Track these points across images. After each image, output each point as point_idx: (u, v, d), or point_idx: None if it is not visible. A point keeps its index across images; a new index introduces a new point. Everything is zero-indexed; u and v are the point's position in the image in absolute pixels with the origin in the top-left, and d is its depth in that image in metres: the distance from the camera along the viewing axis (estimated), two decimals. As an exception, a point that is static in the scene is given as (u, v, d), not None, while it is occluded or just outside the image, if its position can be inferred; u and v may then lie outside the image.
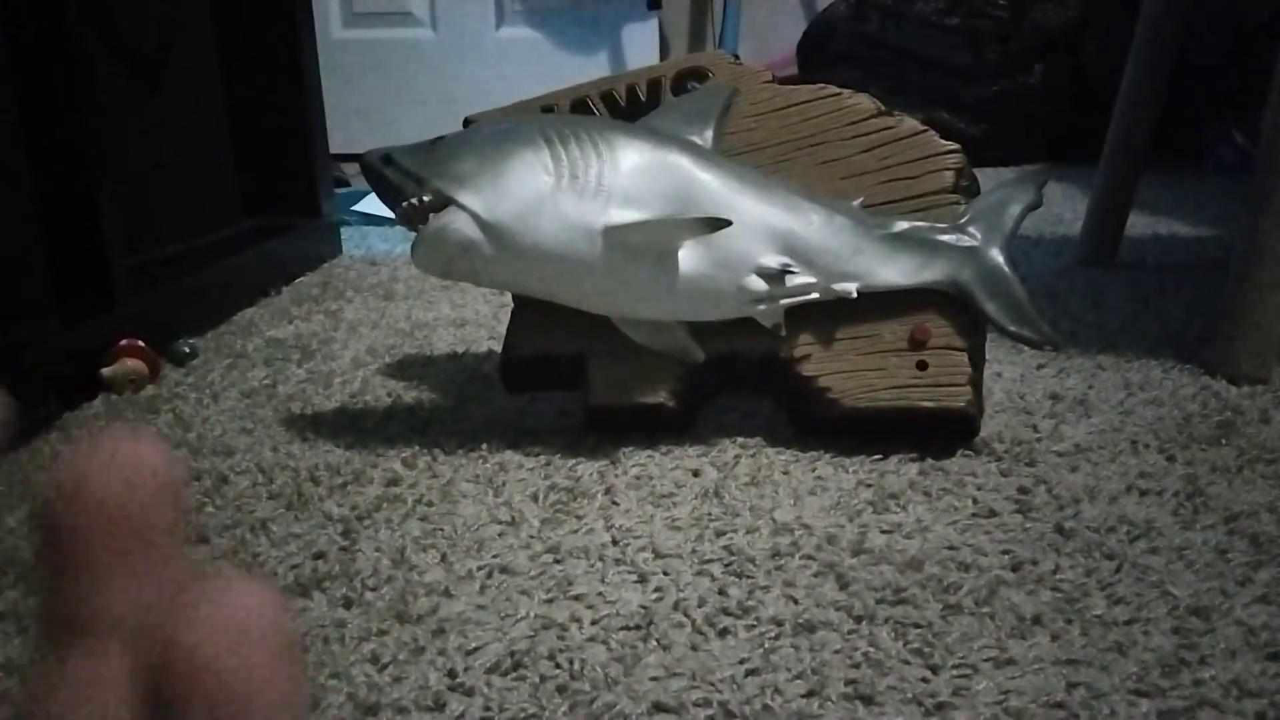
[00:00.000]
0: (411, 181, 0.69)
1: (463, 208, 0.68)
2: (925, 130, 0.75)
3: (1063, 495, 0.67)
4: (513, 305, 0.79)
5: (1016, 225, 0.74)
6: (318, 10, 1.42)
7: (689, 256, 0.70)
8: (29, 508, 0.66)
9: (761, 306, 0.72)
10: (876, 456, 0.73)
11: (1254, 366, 0.86)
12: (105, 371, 0.87)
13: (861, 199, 0.74)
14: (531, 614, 0.55)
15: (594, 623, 0.54)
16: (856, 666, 0.50)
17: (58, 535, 0.17)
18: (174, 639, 0.16)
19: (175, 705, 0.16)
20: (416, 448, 0.76)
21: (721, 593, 0.57)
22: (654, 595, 0.57)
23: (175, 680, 0.16)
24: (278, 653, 0.16)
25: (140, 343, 0.89)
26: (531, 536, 0.63)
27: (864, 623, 0.54)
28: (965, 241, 0.73)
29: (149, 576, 0.17)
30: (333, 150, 1.44)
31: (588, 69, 2.23)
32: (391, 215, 0.72)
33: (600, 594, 0.57)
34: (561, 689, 0.49)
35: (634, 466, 0.72)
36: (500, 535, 0.64)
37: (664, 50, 2.43)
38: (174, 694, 0.16)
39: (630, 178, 0.69)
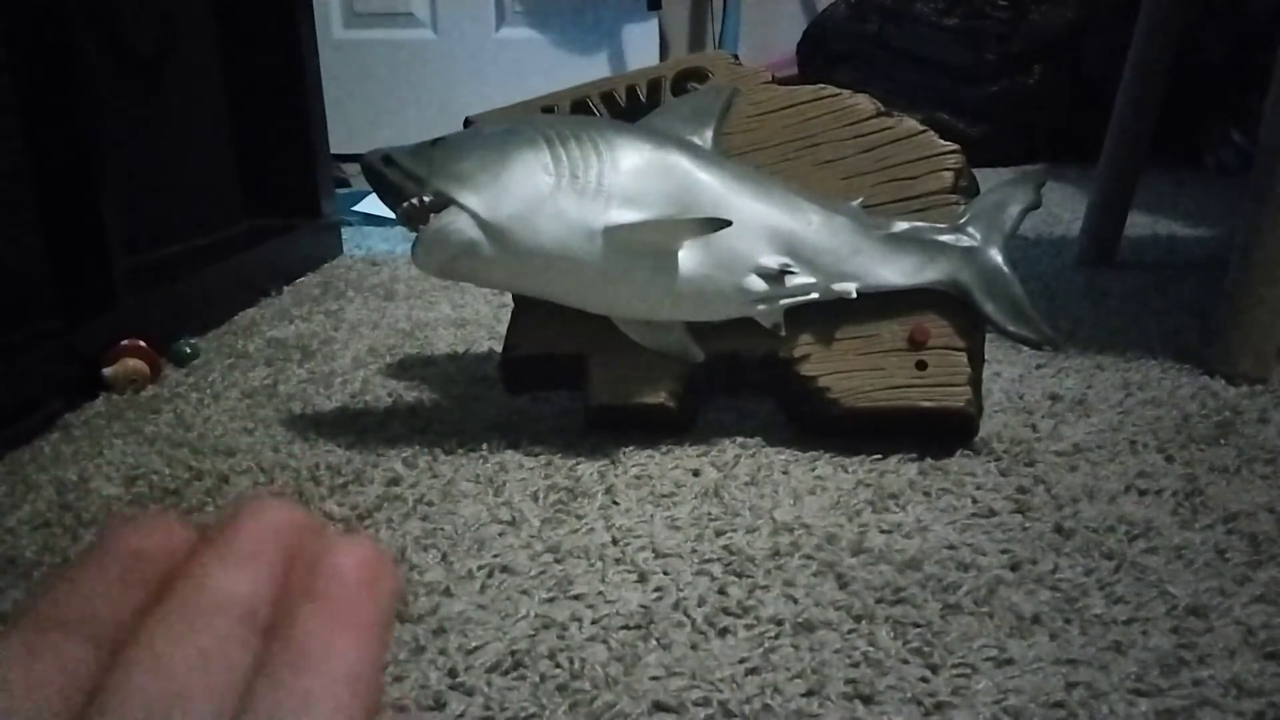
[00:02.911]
0: (412, 182, 0.69)
1: (463, 208, 0.68)
2: (925, 131, 0.75)
3: (1062, 495, 0.67)
4: (513, 305, 0.79)
5: (1016, 225, 0.74)
6: (318, 10, 1.42)
7: (689, 257, 0.70)
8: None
9: (761, 307, 0.73)
10: (876, 456, 0.73)
11: (1253, 366, 0.86)
12: (106, 371, 0.87)
13: (861, 199, 0.74)
14: (532, 613, 0.55)
15: (594, 622, 0.54)
16: (856, 666, 0.50)
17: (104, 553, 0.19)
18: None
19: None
20: (417, 447, 0.76)
21: (721, 592, 0.57)
22: (654, 595, 0.57)
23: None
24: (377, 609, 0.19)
25: (141, 342, 0.89)
26: (532, 536, 0.63)
27: (863, 622, 0.54)
28: (964, 242, 0.73)
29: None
30: (333, 150, 1.44)
31: (588, 69, 2.23)
32: (392, 215, 0.72)
33: (600, 594, 0.57)
34: (561, 688, 0.49)
35: (634, 466, 0.72)
36: (500, 535, 0.64)
37: (664, 51, 2.43)
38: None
39: (630, 178, 0.69)
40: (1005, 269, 0.73)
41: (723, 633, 0.53)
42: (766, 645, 0.52)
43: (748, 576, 0.58)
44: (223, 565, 0.19)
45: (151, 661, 0.17)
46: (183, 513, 0.67)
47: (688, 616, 0.55)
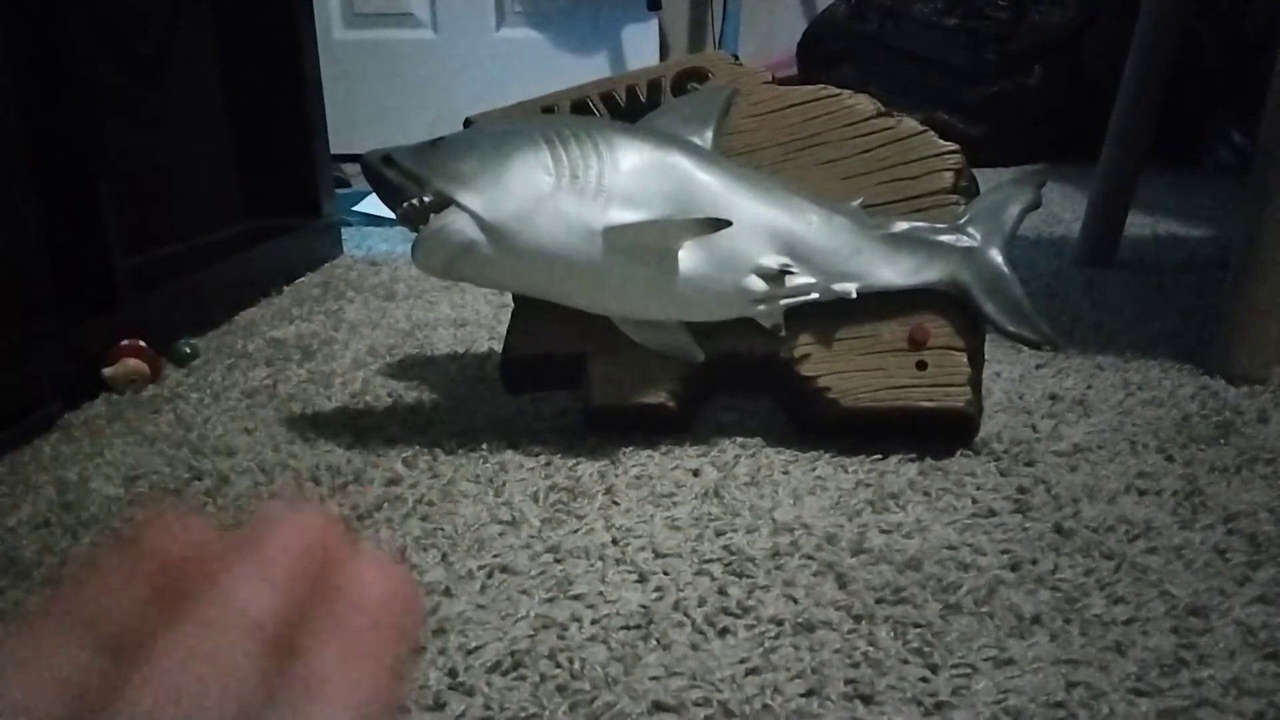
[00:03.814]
0: (412, 182, 0.69)
1: (463, 208, 0.68)
2: (925, 131, 0.75)
3: (1062, 495, 0.67)
4: (513, 305, 0.79)
5: (1015, 225, 0.74)
6: (318, 11, 1.42)
7: (689, 257, 0.70)
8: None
9: (761, 307, 0.73)
10: (876, 456, 0.73)
11: (1253, 366, 0.86)
12: (106, 371, 0.87)
13: (861, 199, 0.74)
14: (531, 614, 0.55)
15: (594, 622, 0.54)
16: (856, 666, 0.50)
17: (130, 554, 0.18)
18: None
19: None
20: (417, 448, 0.76)
21: (721, 592, 0.57)
22: (654, 595, 0.57)
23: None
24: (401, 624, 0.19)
25: (141, 343, 0.89)
26: (532, 536, 0.63)
27: (863, 622, 0.54)
28: (964, 242, 0.73)
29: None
30: (333, 151, 1.44)
31: (588, 70, 2.23)
32: (392, 216, 0.72)
33: (600, 594, 0.57)
34: (561, 688, 0.49)
35: (634, 466, 0.72)
36: (500, 535, 0.64)
37: (664, 51, 2.43)
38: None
39: (630, 178, 0.69)
40: (1005, 269, 0.73)
41: (723, 633, 0.53)
42: (766, 645, 0.52)
43: (748, 576, 0.58)
44: (246, 579, 0.18)
45: (162, 678, 0.16)
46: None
47: (688, 616, 0.55)
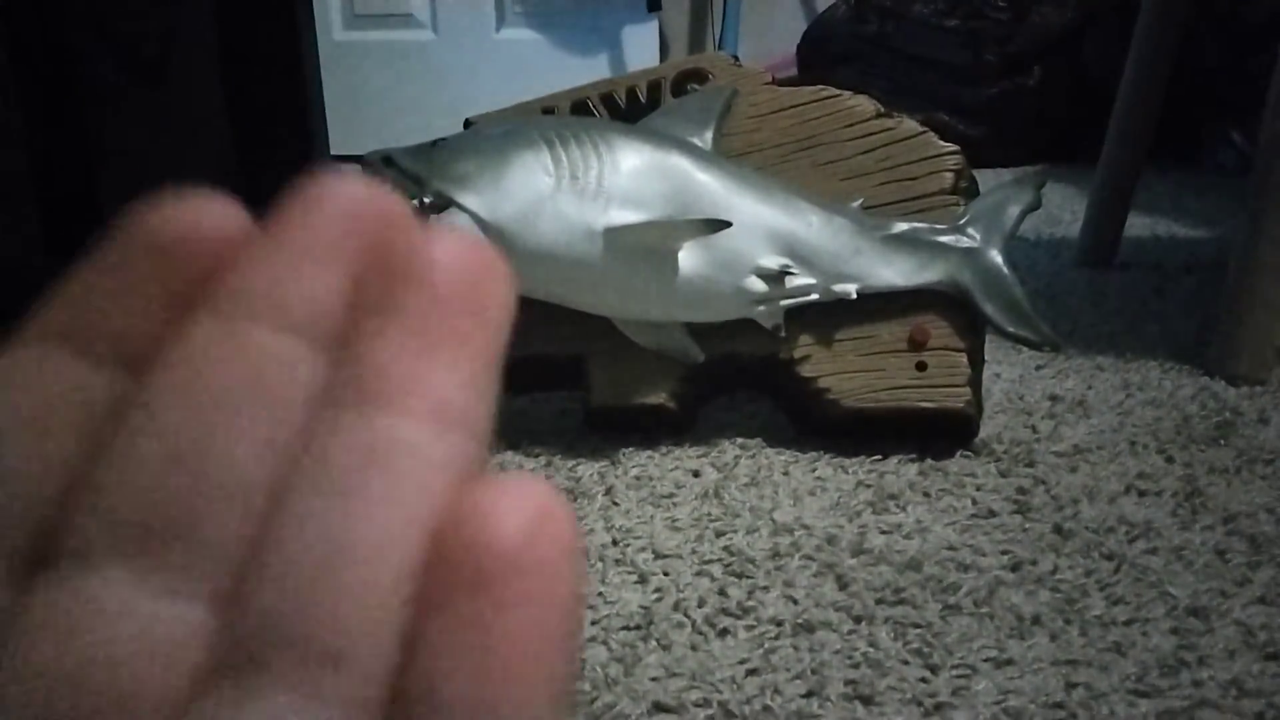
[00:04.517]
0: (412, 183, 0.69)
1: (463, 209, 0.68)
2: (925, 132, 0.75)
3: (1062, 496, 0.67)
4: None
5: (1015, 226, 0.74)
6: (319, 12, 1.42)
7: (689, 258, 0.70)
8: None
9: (761, 307, 0.73)
10: (876, 457, 0.73)
11: (1253, 367, 0.86)
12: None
13: (861, 200, 0.74)
14: (532, 614, 0.55)
15: (594, 623, 0.54)
16: (856, 666, 0.50)
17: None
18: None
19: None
20: (417, 448, 0.76)
21: (721, 593, 0.57)
22: (654, 595, 0.57)
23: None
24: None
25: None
26: (532, 537, 0.63)
27: (863, 623, 0.54)
28: (964, 242, 0.73)
29: None
30: (333, 151, 1.44)
31: (588, 71, 2.23)
32: (392, 216, 0.72)
33: (600, 594, 0.57)
34: (562, 689, 0.49)
35: (634, 467, 0.72)
36: (500, 535, 0.64)
37: (664, 52, 2.43)
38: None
39: (630, 179, 0.69)
40: (1005, 270, 0.73)
41: (723, 633, 0.53)
42: (766, 646, 0.52)
43: (748, 577, 0.58)
44: (282, 260, 0.14)
45: (187, 382, 0.13)
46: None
47: (688, 617, 0.55)
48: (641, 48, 2.30)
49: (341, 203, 0.14)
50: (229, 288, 0.13)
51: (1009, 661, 0.51)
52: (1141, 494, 0.67)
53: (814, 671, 0.50)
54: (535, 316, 0.77)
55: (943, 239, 0.73)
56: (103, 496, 0.13)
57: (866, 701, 0.48)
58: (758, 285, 0.71)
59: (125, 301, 0.14)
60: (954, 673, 0.50)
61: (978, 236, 0.73)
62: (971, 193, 0.75)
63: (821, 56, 2.26)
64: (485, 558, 0.13)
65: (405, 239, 0.14)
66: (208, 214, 0.14)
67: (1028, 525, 0.64)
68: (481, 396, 0.14)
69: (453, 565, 0.13)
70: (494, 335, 0.14)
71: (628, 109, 0.78)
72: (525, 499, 0.13)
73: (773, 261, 0.71)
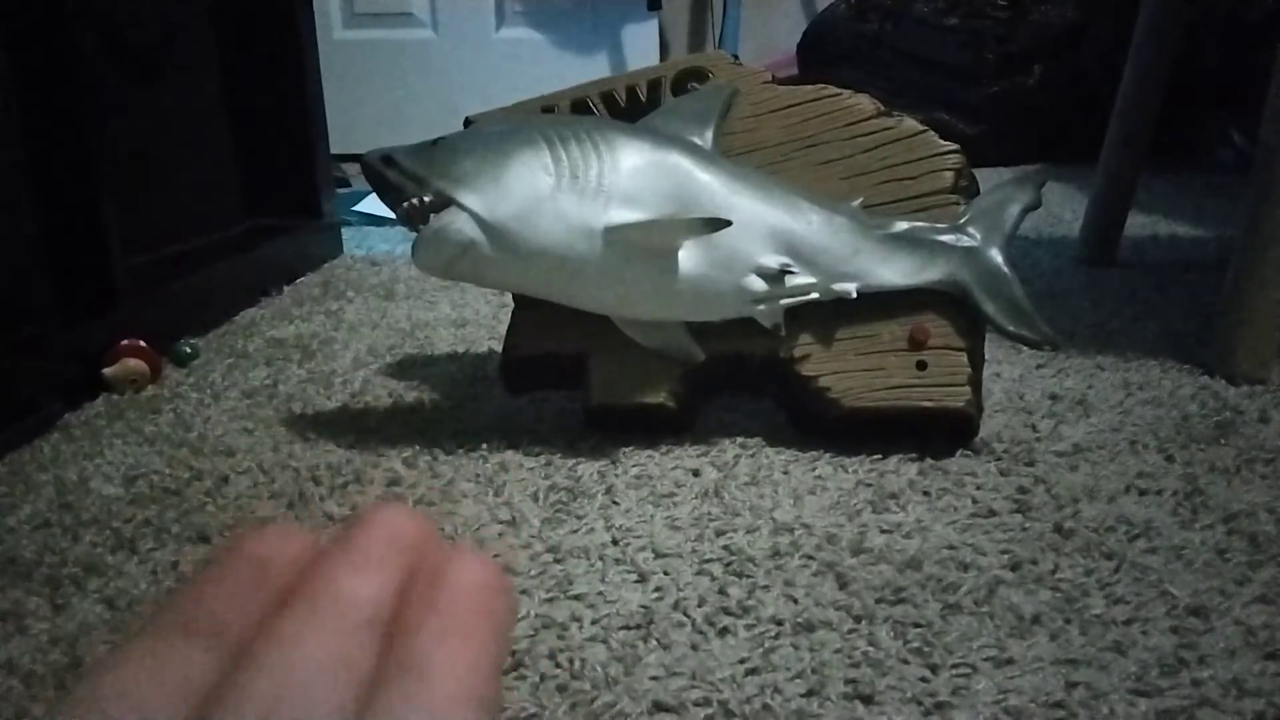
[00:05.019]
0: (412, 182, 0.69)
1: (463, 208, 0.68)
2: (925, 131, 0.75)
3: (1062, 495, 0.67)
4: (513, 305, 0.79)
5: (1015, 225, 0.74)
6: (319, 11, 1.42)
7: (689, 257, 0.70)
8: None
9: (761, 306, 0.72)
10: (876, 456, 0.73)
11: (1253, 366, 0.86)
12: (106, 371, 0.87)
13: (861, 199, 0.74)
14: (531, 614, 0.55)
15: (594, 622, 0.54)
16: (856, 666, 0.50)
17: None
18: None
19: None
20: (417, 448, 0.76)
21: (721, 592, 0.57)
22: (654, 595, 0.57)
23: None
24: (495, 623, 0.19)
25: (141, 343, 0.89)
26: (532, 536, 0.63)
27: (863, 622, 0.54)
28: (964, 242, 0.73)
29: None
30: (333, 150, 1.44)
31: (588, 69, 2.23)
32: (392, 215, 0.72)
33: (600, 594, 0.57)
34: (561, 688, 0.49)
35: (634, 466, 0.72)
36: (500, 535, 0.64)
37: (664, 51, 2.43)
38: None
39: (630, 178, 0.69)
40: (1005, 269, 0.73)
41: (723, 633, 0.53)
42: (766, 645, 0.52)
43: (748, 576, 0.58)
44: (348, 568, 0.19)
45: (277, 660, 0.17)
46: (183, 513, 0.67)
47: (688, 616, 0.55)
48: (641, 46, 2.29)
49: (389, 526, 0.20)
50: (311, 590, 0.18)
51: (1009, 661, 0.51)
52: (1142, 493, 0.67)
53: (814, 671, 0.50)
54: (535, 316, 0.77)
55: (943, 238, 0.73)
56: None
57: (866, 701, 0.48)
58: (758, 284, 0.71)
59: (228, 603, 0.18)
60: (954, 672, 0.50)
61: (978, 236, 0.73)
62: (972, 192, 0.75)
63: (821, 55, 2.26)
64: (449, 589, 0.20)
65: (435, 554, 0.20)
66: (291, 538, 0.20)
67: (1028, 524, 0.64)
68: (492, 678, 0.19)
69: (432, 594, 0.19)
70: (502, 633, 0.20)
71: (628, 108, 0.78)
72: (477, 565, 0.20)
73: (773, 260, 0.71)
